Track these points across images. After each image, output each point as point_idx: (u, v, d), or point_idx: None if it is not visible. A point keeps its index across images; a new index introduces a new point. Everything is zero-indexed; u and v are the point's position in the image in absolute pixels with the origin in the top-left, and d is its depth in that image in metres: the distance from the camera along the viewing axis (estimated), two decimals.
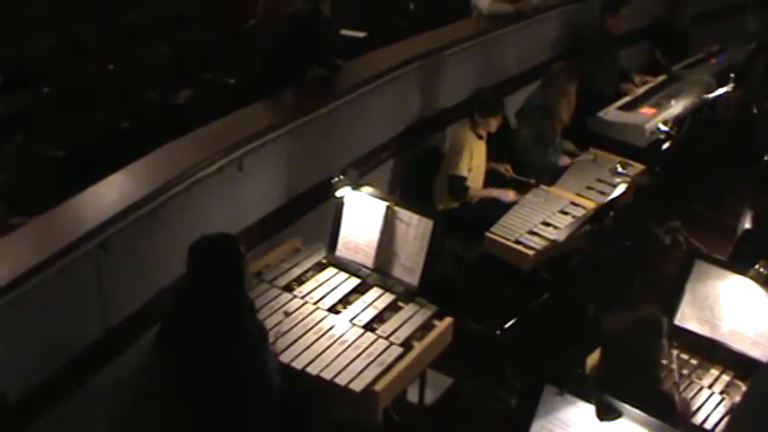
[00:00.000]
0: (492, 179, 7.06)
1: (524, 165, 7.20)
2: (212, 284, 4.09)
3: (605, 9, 8.68)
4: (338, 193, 5.35)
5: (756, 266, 5.18)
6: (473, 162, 6.77)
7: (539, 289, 6.81)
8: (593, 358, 4.59)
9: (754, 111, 9.35)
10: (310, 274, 5.33)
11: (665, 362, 4.44)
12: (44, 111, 6.78)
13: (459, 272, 6.67)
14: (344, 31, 7.74)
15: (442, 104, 7.39)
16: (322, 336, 4.81)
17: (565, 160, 7.46)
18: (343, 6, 7.24)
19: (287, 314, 4.93)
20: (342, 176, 5.37)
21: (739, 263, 5.17)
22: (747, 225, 6.85)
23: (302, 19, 6.38)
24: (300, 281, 5.25)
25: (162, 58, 7.92)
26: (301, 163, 5.92)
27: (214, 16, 8.97)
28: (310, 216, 6.01)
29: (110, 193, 4.73)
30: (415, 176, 7.10)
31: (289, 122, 5.77)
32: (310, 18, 6.34)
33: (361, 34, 8.66)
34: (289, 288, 5.17)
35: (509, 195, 6.87)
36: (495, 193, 6.89)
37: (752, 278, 4.88)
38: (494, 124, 6.81)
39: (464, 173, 6.72)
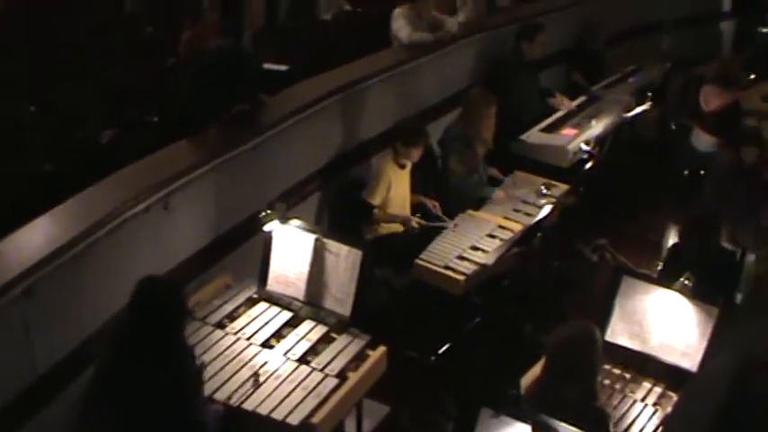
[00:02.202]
0: (423, 213, 7.11)
1: (449, 193, 7.27)
2: (156, 328, 4.07)
3: (520, 36, 8.84)
4: (266, 228, 5.35)
5: (682, 279, 5.31)
6: (392, 191, 6.82)
7: (470, 313, 6.85)
8: (527, 379, 4.66)
9: (673, 127, 9.57)
10: (242, 309, 5.31)
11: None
12: None
13: (390, 300, 6.71)
14: (266, 65, 7.77)
15: (364, 135, 7.43)
16: (257, 371, 4.79)
17: (499, 194, 7.52)
18: (264, 40, 7.26)
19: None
20: (269, 211, 5.38)
21: (671, 277, 5.31)
22: (672, 239, 7.02)
23: (223, 54, 6.37)
24: (232, 317, 5.23)
25: (85, 98, 7.85)
26: (228, 199, 5.91)
27: (137, 54, 8.93)
28: (239, 252, 6.00)
29: (34, 238, 4.66)
30: (341, 207, 7.12)
31: (214, 159, 5.76)
32: (231, 53, 6.34)
33: (282, 67, 8.69)
34: (221, 325, 5.14)
35: (411, 222, 6.92)
36: (398, 219, 6.94)
37: (678, 291, 5.00)
38: (416, 154, 6.87)
39: (375, 201, 6.77)
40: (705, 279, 5.62)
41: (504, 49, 9.10)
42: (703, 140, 8.88)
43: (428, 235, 6.71)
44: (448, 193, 7.30)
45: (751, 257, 6.89)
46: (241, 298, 5.41)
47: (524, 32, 8.88)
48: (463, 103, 7.63)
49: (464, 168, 7.37)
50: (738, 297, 6.15)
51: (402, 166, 6.90)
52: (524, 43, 8.82)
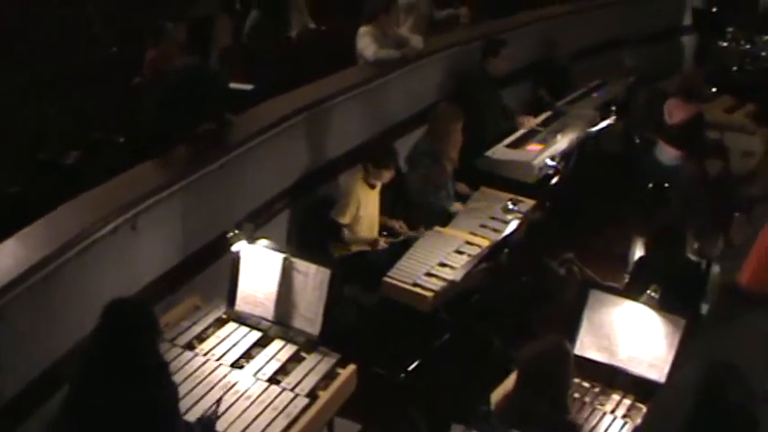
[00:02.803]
0: (390, 235, 7.13)
1: (417, 210, 7.30)
2: (128, 348, 4.05)
3: (486, 51, 8.91)
4: (234, 248, 5.35)
5: (648, 291, 5.36)
6: (361, 211, 6.84)
7: (439, 329, 6.86)
8: (497, 394, 4.68)
9: (637, 141, 9.66)
10: (211, 330, 5.29)
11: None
12: None
13: (359, 318, 6.71)
14: (232, 84, 7.76)
15: (331, 153, 7.44)
16: (227, 392, 4.78)
17: (457, 205, 7.55)
18: (230, 59, 7.25)
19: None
20: (237, 231, 5.39)
21: (638, 289, 5.35)
22: (638, 252, 7.08)
23: (189, 73, 6.35)
24: (201, 338, 5.21)
25: (50, 119, 7.80)
26: (196, 219, 5.89)
27: (102, 75, 8.88)
28: (208, 272, 5.98)
29: (2, 261, 4.63)
30: (309, 226, 7.12)
31: (181, 179, 5.75)
32: (197, 72, 6.32)
33: (248, 86, 8.69)
34: (190, 346, 5.12)
35: (379, 243, 6.95)
36: (364, 241, 6.96)
37: (645, 303, 5.04)
38: (386, 176, 6.90)
39: (344, 220, 6.78)
40: (671, 291, 5.68)
41: (470, 65, 9.16)
42: (667, 153, 8.97)
43: (396, 252, 6.72)
44: (415, 210, 7.32)
45: (716, 268, 6.97)
46: (210, 319, 5.40)
47: (489, 48, 8.95)
48: (430, 119, 7.68)
49: (431, 184, 7.41)
50: (704, 308, 6.21)
51: (372, 186, 6.92)
52: (489, 59, 8.89)
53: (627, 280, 6.53)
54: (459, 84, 9.03)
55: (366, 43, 8.15)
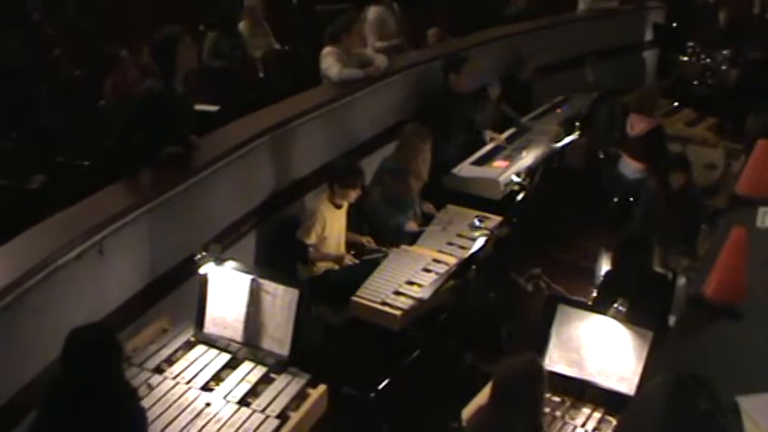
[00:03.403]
0: (358, 251, 7.14)
1: (379, 229, 7.31)
2: (93, 375, 4.02)
3: (448, 68, 8.95)
4: (201, 270, 5.33)
5: (616, 305, 5.39)
6: (327, 231, 6.85)
7: (409, 347, 6.87)
8: (468, 411, 4.69)
9: (601, 156, 9.74)
10: (180, 353, 5.26)
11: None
12: None
13: (328, 338, 6.70)
14: (197, 106, 7.75)
15: (297, 173, 7.45)
16: (197, 416, 4.74)
17: (411, 225, 7.58)
18: (194, 81, 7.24)
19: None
20: (204, 253, 5.37)
21: (605, 303, 5.39)
22: (605, 266, 7.13)
23: (153, 97, 6.33)
24: (170, 361, 5.17)
25: (13, 143, 7.75)
26: (162, 242, 5.87)
27: (65, 98, 8.85)
28: (175, 295, 5.95)
29: None
30: (277, 247, 7.11)
31: (147, 202, 5.72)
32: (162, 95, 6.30)
33: (213, 108, 8.68)
34: (159, 369, 5.08)
35: (345, 260, 6.96)
36: (330, 258, 6.97)
37: (612, 317, 5.07)
38: (353, 195, 6.91)
39: (310, 240, 6.79)
40: (639, 304, 5.72)
41: (435, 83, 9.21)
42: (630, 167, 9.06)
43: (365, 271, 6.73)
44: (380, 229, 7.33)
45: (682, 280, 7.03)
46: (178, 342, 5.36)
47: (451, 65, 9.00)
48: (399, 138, 7.71)
49: (397, 203, 7.42)
50: (671, 320, 6.26)
51: (338, 206, 6.93)
52: (451, 76, 8.94)
53: (594, 294, 6.57)
54: (424, 101, 9.07)
55: (330, 63, 8.17)
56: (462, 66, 8.96)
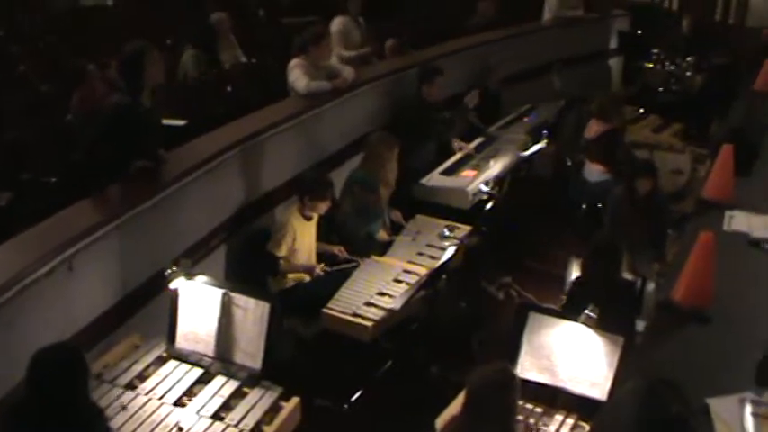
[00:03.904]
0: (329, 261, 7.14)
1: (350, 239, 7.32)
2: (59, 395, 4.00)
3: (421, 79, 9.00)
4: (172, 285, 5.32)
5: (587, 311, 5.42)
6: (297, 243, 6.84)
7: (381, 358, 6.87)
8: (442, 420, 4.70)
9: (569, 163, 9.80)
10: (152, 369, 5.24)
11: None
12: None
13: (300, 350, 6.69)
14: (165, 120, 7.73)
15: (266, 186, 7.43)
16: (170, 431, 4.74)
17: (382, 234, 7.59)
18: (161, 95, 7.23)
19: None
20: (174, 267, 5.35)
21: (576, 309, 5.42)
22: (575, 273, 7.17)
23: (121, 111, 6.30)
24: (142, 377, 5.15)
25: None
26: (133, 257, 5.84)
27: (32, 114, 8.80)
28: (146, 310, 5.92)
29: None
30: (247, 260, 7.10)
31: (116, 218, 5.69)
32: (130, 110, 6.28)
33: (181, 122, 8.66)
34: (131, 386, 5.06)
35: (316, 270, 6.96)
36: (301, 268, 6.97)
37: (583, 323, 5.10)
38: (322, 207, 6.92)
39: (281, 252, 6.79)
40: (609, 310, 5.76)
41: (403, 93, 9.24)
42: (592, 171, 9.13)
43: (335, 283, 6.73)
44: (350, 240, 7.34)
45: (651, 286, 7.09)
46: (150, 357, 5.34)
47: (424, 75, 9.05)
48: (365, 148, 7.72)
49: (366, 213, 7.44)
50: (641, 325, 6.31)
51: (308, 218, 6.93)
52: (424, 86, 8.99)
53: (564, 301, 6.60)
54: (396, 111, 9.10)
55: (297, 75, 8.17)
56: (435, 76, 9.01)
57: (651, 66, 12.25)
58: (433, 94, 9.06)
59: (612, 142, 9.16)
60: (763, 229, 6.79)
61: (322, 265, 7.01)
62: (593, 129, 9.25)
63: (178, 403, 4.96)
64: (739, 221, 6.94)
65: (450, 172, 8.64)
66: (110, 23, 11.94)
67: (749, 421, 4.46)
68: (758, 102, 10.11)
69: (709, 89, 11.76)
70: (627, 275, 7.02)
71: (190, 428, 4.76)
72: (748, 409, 4.51)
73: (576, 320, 5.12)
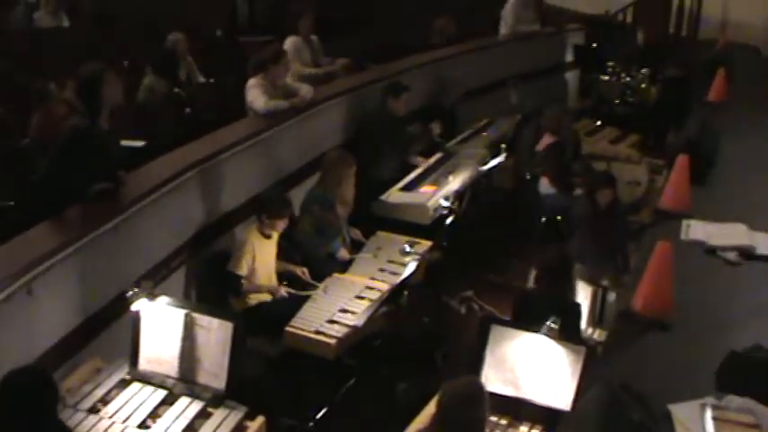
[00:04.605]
0: (291, 281, 7.14)
1: (311, 258, 7.32)
2: (28, 418, 3.97)
3: (387, 93, 9.05)
4: (133, 307, 5.30)
5: (548, 322, 5.46)
6: (257, 262, 6.84)
7: (345, 375, 6.87)
8: None
9: (527, 176, 9.87)
10: (115, 392, 5.21)
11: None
12: None
13: (264, 369, 6.67)
14: (123, 142, 7.69)
15: (226, 206, 7.40)
16: None
17: (343, 253, 7.61)
18: (120, 116, 7.20)
19: None
20: (136, 289, 5.33)
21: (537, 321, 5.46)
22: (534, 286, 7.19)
23: (80, 134, 6.27)
24: (105, 401, 5.12)
25: None
26: (93, 280, 5.79)
27: None
28: (108, 333, 5.87)
29: None
30: (209, 280, 7.08)
31: (76, 240, 5.65)
32: (88, 132, 6.25)
33: (140, 143, 8.62)
34: (94, 410, 5.03)
35: (280, 292, 6.96)
36: (264, 289, 6.97)
37: (545, 335, 5.14)
38: (281, 225, 6.92)
39: (241, 271, 6.78)
40: (570, 320, 5.81)
41: (362, 110, 9.27)
42: (543, 184, 9.22)
43: (298, 301, 6.73)
44: (311, 258, 7.34)
45: (611, 296, 7.15)
46: (113, 380, 5.31)
47: (391, 89, 9.10)
48: (322, 167, 7.72)
49: (325, 232, 7.44)
50: (603, 335, 6.37)
51: (267, 237, 6.93)
52: (390, 100, 9.04)
53: (516, 312, 6.62)
54: (360, 126, 9.13)
55: (255, 95, 8.17)
56: (402, 92, 9.08)
57: (607, 78, 12.36)
58: (399, 108, 9.11)
59: (557, 155, 9.25)
60: (720, 237, 6.90)
61: (285, 287, 7.00)
62: (545, 142, 9.35)
63: (142, 426, 4.94)
64: (696, 230, 7.04)
65: (409, 188, 8.65)
66: (66, 45, 11.86)
67: (710, 426, 4.52)
68: (712, 112, 10.26)
69: (664, 100, 11.89)
70: (588, 286, 7.08)
71: None
72: (709, 413, 4.57)
73: (538, 332, 5.16)
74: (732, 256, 6.71)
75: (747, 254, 6.74)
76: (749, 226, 7.04)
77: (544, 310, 5.37)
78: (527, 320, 5.29)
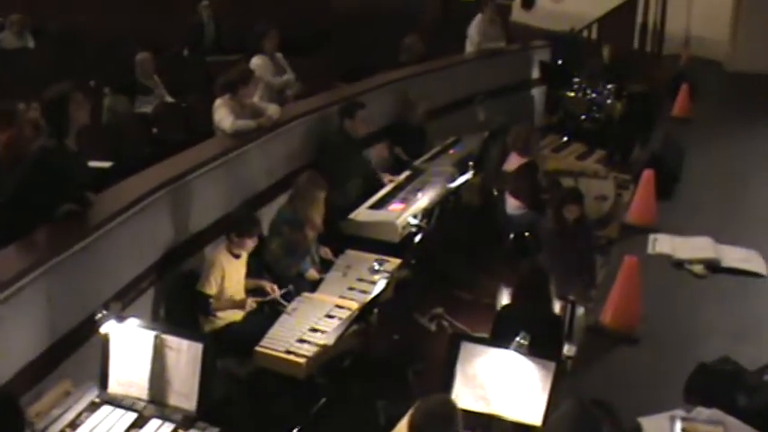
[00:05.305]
0: (258, 294, 7.13)
1: (280, 279, 7.31)
2: None
3: (342, 114, 9.06)
4: (103, 329, 5.27)
5: (518, 338, 5.48)
6: (226, 281, 6.83)
7: (316, 394, 6.86)
8: None
9: (495, 193, 9.91)
10: (84, 416, 5.15)
11: None
12: None
13: (236, 390, 6.66)
14: (91, 162, 7.66)
15: (195, 227, 7.38)
16: None
17: (312, 273, 7.61)
18: (87, 137, 7.17)
19: None
20: (104, 311, 5.30)
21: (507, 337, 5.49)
22: (504, 301, 7.24)
23: (46, 155, 6.24)
24: (75, 425, 5.06)
25: None
26: (61, 303, 5.75)
27: None
28: (77, 356, 5.82)
29: None
30: (178, 301, 7.05)
31: (43, 263, 5.60)
32: (55, 153, 6.23)
33: (107, 164, 8.59)
34: None
35: (248, 304, 6.95)
36: (233, 305, 6.95)
37: (515, 350, 5.15)
38: (250, 244, 6.91)
39: (211, 291, 6.77)
40: (540, 336, 5.83)
41: (329, 130, 9.28)
42: (510, 204, 9.24)
43: (268, 321, 6.72)
44: (281, 279, 7.33)
45: (580, 310, 7.20)
46: (82, 404, 5.25)
47: (345, 110, 9.11)
48: (293, 187, 7.72)
49: (293, 252, 7.45)
50: (572, 350, 6.40)
51: (236, 256, 6.92)
52: (346, 121, 9.05)
53: (496, 329, 6.65)
54: (319, 148, 9.13)
55: (223, 115, 8.17)
56: (356, 111, 9.08)
57: (573, 94, 12.47)
58: (357, 128, 9.12)
59: (530, 176, 9.29)
60: (686, 251, 6.96)
61: (252, 299, 6.99)
62: (513, 161, 9.37)
63: None
64: (663, 244, 7.11)
65: (378, 206, 8.67)
66: (32, 65, 11.83)
67: None
68: (676, 127, 10.37)
69: (629, 116, 12.01)
70: (556, 301, 7.12)
71: None
72: (678, 426, 4.61)
73: (507, 348, 5.18)
74: (698, 269, 6.78)
75: (713, 266, 6.81)
76: (714, 239, 7.11)
77: (524, 325, 5.40)
78: (506, 337, 5.30)
